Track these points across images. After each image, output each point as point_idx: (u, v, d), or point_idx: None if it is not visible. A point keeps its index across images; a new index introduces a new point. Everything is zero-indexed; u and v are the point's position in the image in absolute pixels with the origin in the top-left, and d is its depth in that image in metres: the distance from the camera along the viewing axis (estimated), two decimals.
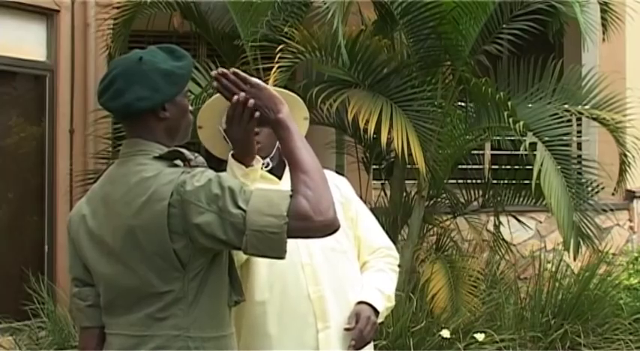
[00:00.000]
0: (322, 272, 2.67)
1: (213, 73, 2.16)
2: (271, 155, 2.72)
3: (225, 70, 2.17)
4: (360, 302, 2.71)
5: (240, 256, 2.48)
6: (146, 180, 2.07)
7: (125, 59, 2.15)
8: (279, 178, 2.73)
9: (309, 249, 2.66)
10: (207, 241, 2.03)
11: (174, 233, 2.03)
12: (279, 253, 2.02)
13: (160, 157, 2.12)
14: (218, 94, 2.27)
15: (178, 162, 2.13)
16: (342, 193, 2.82)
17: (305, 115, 2.69)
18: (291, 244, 2.49)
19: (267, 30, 6.01)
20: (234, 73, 2.17)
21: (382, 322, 2.94)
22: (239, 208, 1.99)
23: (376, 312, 2.72)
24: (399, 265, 2.99)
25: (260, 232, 1.97)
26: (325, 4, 5.60)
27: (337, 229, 2.04)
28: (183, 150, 2.14)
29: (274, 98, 2.16)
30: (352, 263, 2.80)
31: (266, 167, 2.69)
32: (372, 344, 2.79)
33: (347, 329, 2.65)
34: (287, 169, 2.69)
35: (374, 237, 2.90)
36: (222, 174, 2.08)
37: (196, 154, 2.18)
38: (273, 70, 5.52)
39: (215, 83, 2.18)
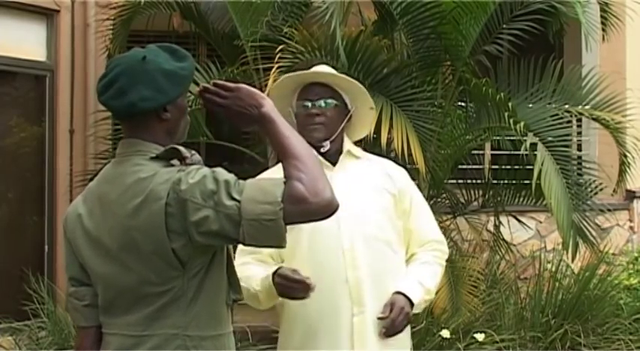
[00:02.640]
0: (362, 259, 2.72)
1: (197, 90, 2.19)
2: (332, 138, 2.78)
3: (206, 85, 2.17)
4: (396, 292, 2.77)
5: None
6: (142, 180, 2.06)
7: (127, 57, 2.13)
8: (333, 164, 2.80)
9: (352, 235, 2.72)
10: (205, 238, 2.02)
11: (172, 232, 2.03)
12: (278, 242, 2.00)
13: (157, 157, 2.11)
14: None
15: (175, 162, 2.12)
16: (395, 184, 2.88)
17: (370, 105, 2.86)
18: (334, 229, 2.57)
19: (266, 30, 6.01)
20: (214, 85, 2.17)
21: (417, 313, 3.03)
22: (233, 199, 1.97)
23: (411, 303, 2.77)
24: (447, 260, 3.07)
25: (256, 220, 1.96)
26: (325, 3, 5.59)
27: (336, 209, 2.01)
28: (180, 147, 2.13)
29: (254, 95, 2.13)
30: (396, 253, 2.84)
31: (323, 150, 2.76)
32: (408, 332, 2.87)
33: (380, 318, 2.72)
34: (341, 156, 2.77)
35: (425, 230, 2.94)
36: (217, 169, 2.06)
37: (193, 152, 2.16)
38: (273, 70, 5.52)
39: (201, 100, 2.20)
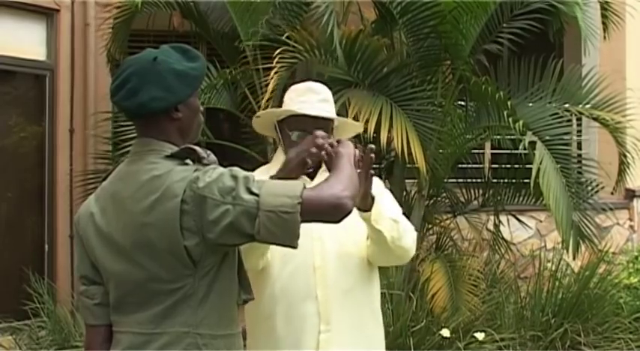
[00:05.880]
0: (332, 277, 2.70)
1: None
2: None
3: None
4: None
5: (253, 263, 2.55)
6: (157, 178, 2.08)
7: (139, 58, 2.15)
8: (312, 178, 2.75)
9: (324, 253, 2.70)
10: (219, 236, 2.03)
11: (186, 230, 2.04)
12: (291, 239, 2.03)
13: (172, 156, 2.13)
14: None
15: (189, 161, 2.13)
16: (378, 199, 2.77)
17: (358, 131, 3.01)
18: (307, 246, 2.54)
19: (266, 30, 6.01)
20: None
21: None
22: (252, 193, 2.01)
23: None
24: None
25: (273, 212, 1.99)
26: (324, 3, 5.59)
27: (348, 211, 2.06)
28: (196, 148, 2.15)
29: (345, 143, 2.41)
30: (369, 267, 2.79)
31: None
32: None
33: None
34: (320, 170, 2.74)
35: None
36: (234, 167, 2.10)
37: (209, 152, 2.18)
38: (274, 69, 5.52)
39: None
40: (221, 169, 2.08)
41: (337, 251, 2.71)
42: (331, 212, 2.05)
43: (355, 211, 2.57)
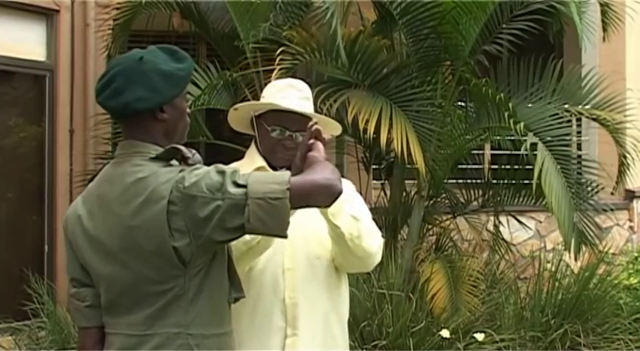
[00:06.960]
0: (302, 280, 2.66)
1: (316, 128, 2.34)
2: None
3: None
4: None
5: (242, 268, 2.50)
6: (143, 180, 2.07)
7: (125, 58, 2.14)
8: None
9: (295, 255, 2.65)
10: (212, 232, 2.03)
11: (175, 231, 2.03)
12: (281, 227, 2.03)
13: (157, 158, 2.11)
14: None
15: (174, 162, 2.13)
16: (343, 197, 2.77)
17: (337, 134, 2.85)
18: (278, 247, 2.52)
19: (267, 31, 6.01)
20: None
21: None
22: (239, 186, 2.00)
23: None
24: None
25: (262, 199, 1.99)
26: (325, 4, 5.59)
27: (339, 192, 2.06)
28: (181, 147, 2.13)
29: (315, 146, 2.29)
30: (337, 273, 2.75)
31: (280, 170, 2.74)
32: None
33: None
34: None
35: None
36: (218, 164, 2.09)
37: (194, 151, 2.17)
38: (275, 71, 5.52)
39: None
40: (206, 168, 2.07)
41: (307, 254, 2.66)
42: (322, 194, 2.05)
43: (318, 212, 2.56)
